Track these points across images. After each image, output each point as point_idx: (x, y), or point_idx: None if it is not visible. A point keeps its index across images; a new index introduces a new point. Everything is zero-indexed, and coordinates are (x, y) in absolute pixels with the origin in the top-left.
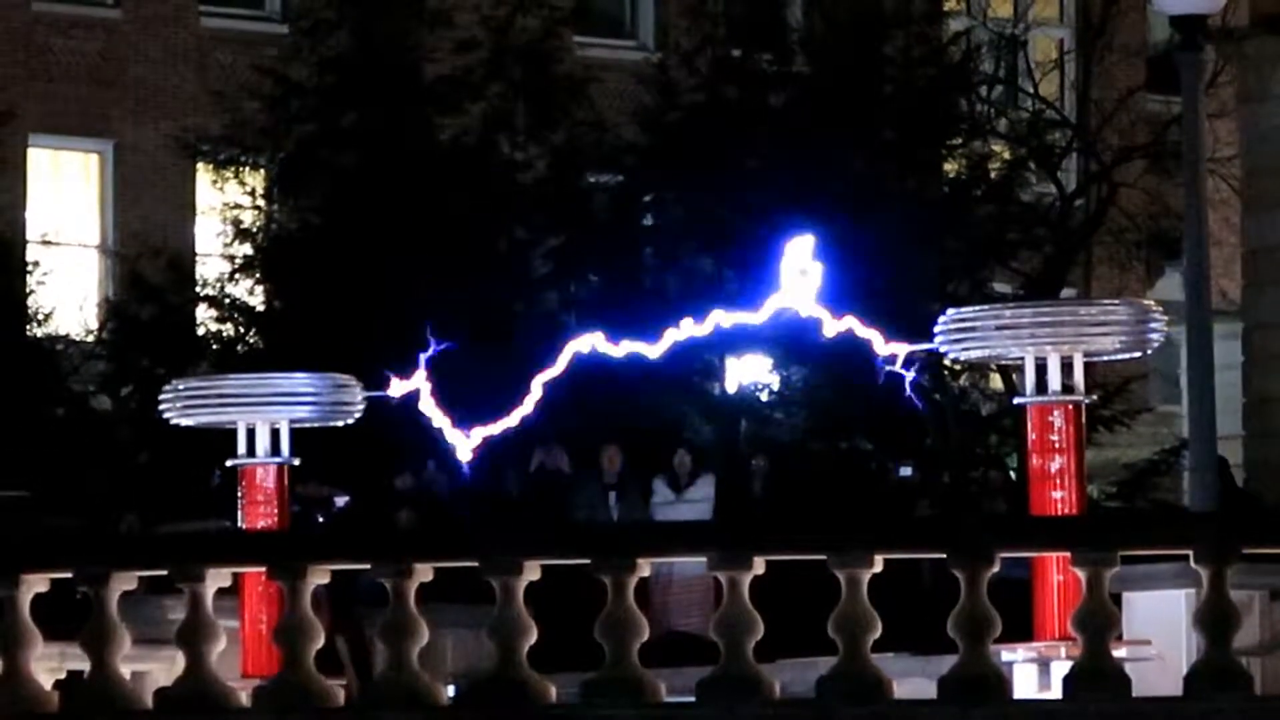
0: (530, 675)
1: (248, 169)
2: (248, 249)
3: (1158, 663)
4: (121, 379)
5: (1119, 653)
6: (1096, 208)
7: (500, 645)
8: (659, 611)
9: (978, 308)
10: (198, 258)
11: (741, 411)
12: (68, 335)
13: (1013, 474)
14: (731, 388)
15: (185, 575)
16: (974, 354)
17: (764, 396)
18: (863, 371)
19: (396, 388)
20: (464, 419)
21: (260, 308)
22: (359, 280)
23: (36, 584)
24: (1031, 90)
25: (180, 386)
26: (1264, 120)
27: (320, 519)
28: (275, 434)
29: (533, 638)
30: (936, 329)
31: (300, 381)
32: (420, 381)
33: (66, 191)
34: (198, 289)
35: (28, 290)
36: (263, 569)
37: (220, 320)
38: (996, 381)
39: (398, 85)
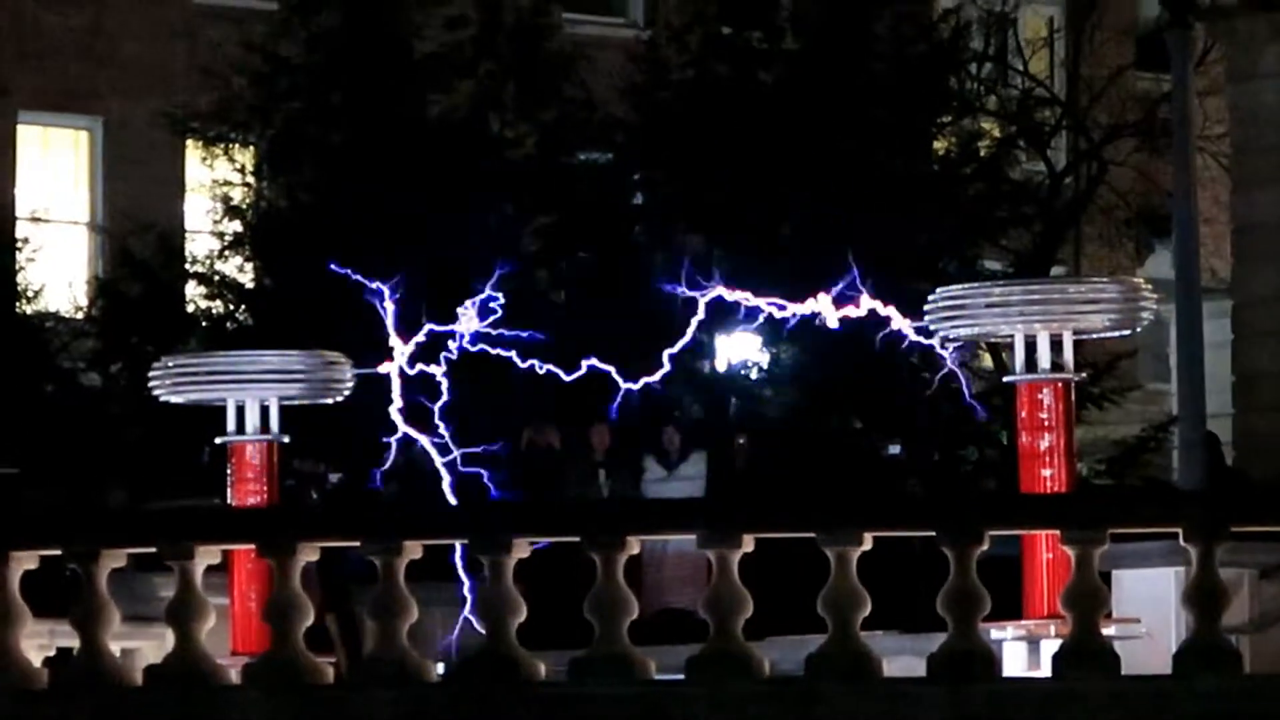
0: (520, 653)
1: (237, 146)
2: (237, 226)
3: (1147, 641)
4: (111, 356)
5: (1108, 631)
6: (1086, 186)
7: (490, 623)
8: (652, 588)
9: (967, 286)
10: (187, 235)
11: (731, 390)
12: (57, 312)
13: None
14: (721, 366)
15: (175, 552)
16: (964, 332)
17: (753, 375)
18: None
19: (387, 365)
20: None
21: (249, 285)
22: (346, 258)
23: (26, 561)
24: (1021, 68)
25: (170, 363)
26: (1253, 98)
27: (314, 494)
28: (265, 411)
29: (522, 615)
30: (926, 307)
31: (290, 359)
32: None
33: (56, 168)
34: (187, 266)
35: (17, 267)
36: (252, 546)
37: (209, 297)
38: (986, 360)
39: (387, 62)
